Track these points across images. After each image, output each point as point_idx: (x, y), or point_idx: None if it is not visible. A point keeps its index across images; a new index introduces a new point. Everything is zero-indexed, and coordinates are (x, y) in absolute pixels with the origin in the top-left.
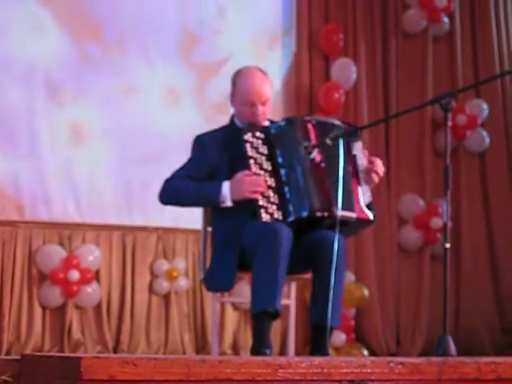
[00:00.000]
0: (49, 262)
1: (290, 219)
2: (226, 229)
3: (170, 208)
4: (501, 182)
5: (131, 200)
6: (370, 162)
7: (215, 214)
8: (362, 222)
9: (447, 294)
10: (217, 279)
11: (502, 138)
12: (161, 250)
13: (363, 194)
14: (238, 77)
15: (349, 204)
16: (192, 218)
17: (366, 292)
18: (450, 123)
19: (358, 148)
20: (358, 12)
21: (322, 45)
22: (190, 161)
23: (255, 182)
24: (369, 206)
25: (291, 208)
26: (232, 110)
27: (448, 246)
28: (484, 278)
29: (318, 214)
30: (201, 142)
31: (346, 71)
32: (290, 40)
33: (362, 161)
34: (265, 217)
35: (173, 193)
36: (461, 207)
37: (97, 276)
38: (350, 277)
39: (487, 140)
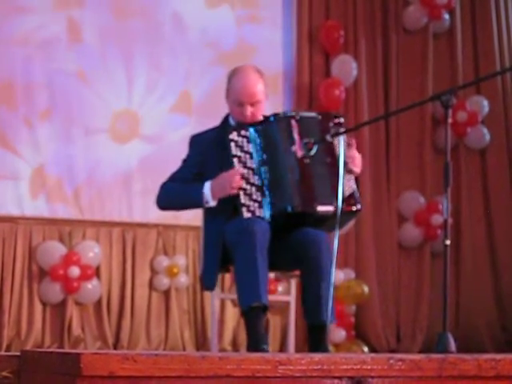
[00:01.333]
0: (49, 258)
1: (270, 214)
2: (210, 228)
3: None
4: (501, 179)
5: (131, 196)
6: (349, 156)
7: (204, 214)
8: (346, 214)
9: (447, 291)
10: (204, 278)
11: (502, 135)
12: (161, 246)
13: (344, 185)
14: (233, 75)
15: (326, 198)
16: (192, 214)
17: (366, 289)
18: (450, 120)
19: (341, 140)
20: (358, 8)
21: (322, 41)
22: (184, 161)
23: (232, 177)
24: (352, 197)
25: (272, 204)
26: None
27: (448, 242)
28: (484, 275)
29: (298, 210)
30: (194, 142)
31: (346, 68)
32: (291, 36)
33: (344, 151)
34: (246, 214)
35: (165, 197)
36: (461, 204)
37: (97, 272)
38: (350, 274)
39: (487, 137)
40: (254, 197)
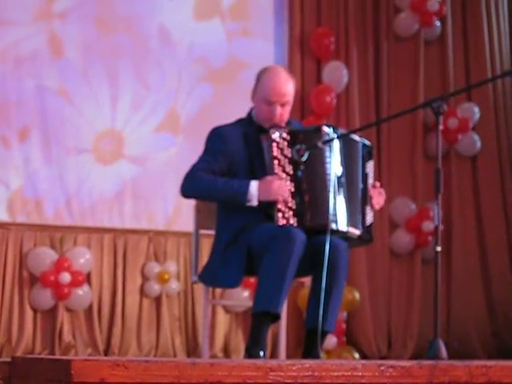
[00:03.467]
0: (40, 264)
1: (307, 226)
2: (235, 227)
3: (161, 211)
4: (492, 186)
5: (123, 203)
6: (377, 193)
7: (223, 211)
8: (362, 241)
9: (438, 297)
10: (223, 276)
11: (493, 142)
12: (152, 252)
13: (367, 214)
14: (264, 73)
15: (356, 221)
16: (183, 220)
17: (357, 295)
18: (441, 127)
19: (370, 167)
20: (349, 15)
21: (313, 48)
22: (207, 153)
23: (283, 187)
24: (370, 227)
25: (308, 216)
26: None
27: (439, 249)
28: (475, 281)
29: (333, 227)
30: (219, 134)
31: (337, 74)
32: (282, 43)
33: (372, 180)
34: (281, 221)
35: (197, 185)
36: (452, 211)
37: (88, 279)
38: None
39: (478, 144)
40: (290, 204)
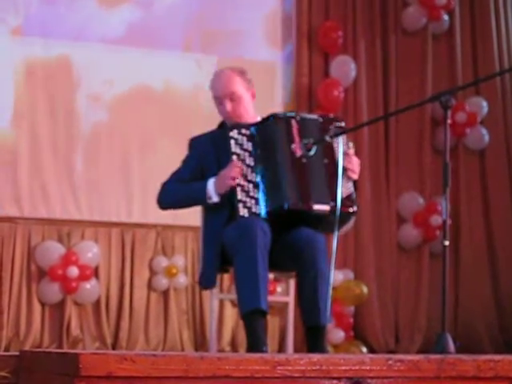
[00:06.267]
0: (48, 258)
1: (266, 211)
2: (209, 227)
3: None
4: (500, 180)
5: (130, 197)
6: (347, 161)
7: (203, 212)
8: (343, 215)
9: (446, 292)
10: (202, 277)
11: (501, 136)
12: (160, 246)
13: (342, 187)
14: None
15: (322, 197)
16: (191, 214)
17: (365, 289)
18: (449, 121)
19: (340, 141)
20: (357, 9)
21: (321, 42)
22: (183, 163)
23: (230, 169)
24: (349, 199)
25: (268, 201)
26: None
27: (447, 243)
28: (483, 276)
29: (294, 207)
30: (193, 144)
31: (345, 68)
32: (290, 37)
33: (344, 154)
34: (242, 211)
35: (166, 196)
36: (460, 205)
37: (96, 272)
38: (349, 274)
39: (487, 138)
40: (251, 193)
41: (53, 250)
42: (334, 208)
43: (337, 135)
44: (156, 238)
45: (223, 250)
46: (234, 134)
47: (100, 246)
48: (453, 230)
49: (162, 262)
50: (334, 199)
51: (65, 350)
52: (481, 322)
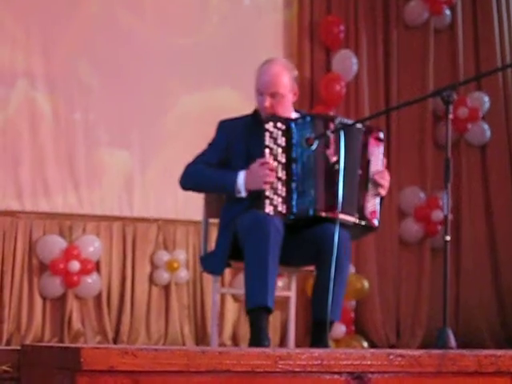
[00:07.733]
0: (49, 252)
1: (292, 216)
2: (229, 216)
3: (170, 199)
4: (501, 175)
5: (132, 191)
6: (381, 176)
7: (226, 199)
8: (363, 228)
9: (447, 287)
10: (211, 262)
11: (503, 131)
12: (161, 241)
13: (369, 201)
14: (260, 65)
15: (351, 208)
16: (192, 209)
17: (366, 284)
18: (451, 116)
19: (376, 153)
20: (359, 4)
21: (323, 36)
22: (210, 145)
23: (264, 171)
24: (374, 214)
25: (295, 204)
26: None
27: (448, 238)
28: (484, 271)
29: (321, 215)
30: (222, 127)
31: (347, 63)
32: (291, 31)
33: (377, 168)
34: (268, 208)
35: (191, 178)
36: (461, 200)
37: (97, 267)
38: (350, 269)
39: (488, 133)
40: (279, 191)
41: (54, 244)
42: (358, 220)
43: (338, 130)
44: (157, 232)
45: (235, 238)
46: (269, 126)
47: (101, 241)
48: (454, 225)
49: (164, 256)
50: (361, 210)
51: (66, 344)
52: (482, 317)
